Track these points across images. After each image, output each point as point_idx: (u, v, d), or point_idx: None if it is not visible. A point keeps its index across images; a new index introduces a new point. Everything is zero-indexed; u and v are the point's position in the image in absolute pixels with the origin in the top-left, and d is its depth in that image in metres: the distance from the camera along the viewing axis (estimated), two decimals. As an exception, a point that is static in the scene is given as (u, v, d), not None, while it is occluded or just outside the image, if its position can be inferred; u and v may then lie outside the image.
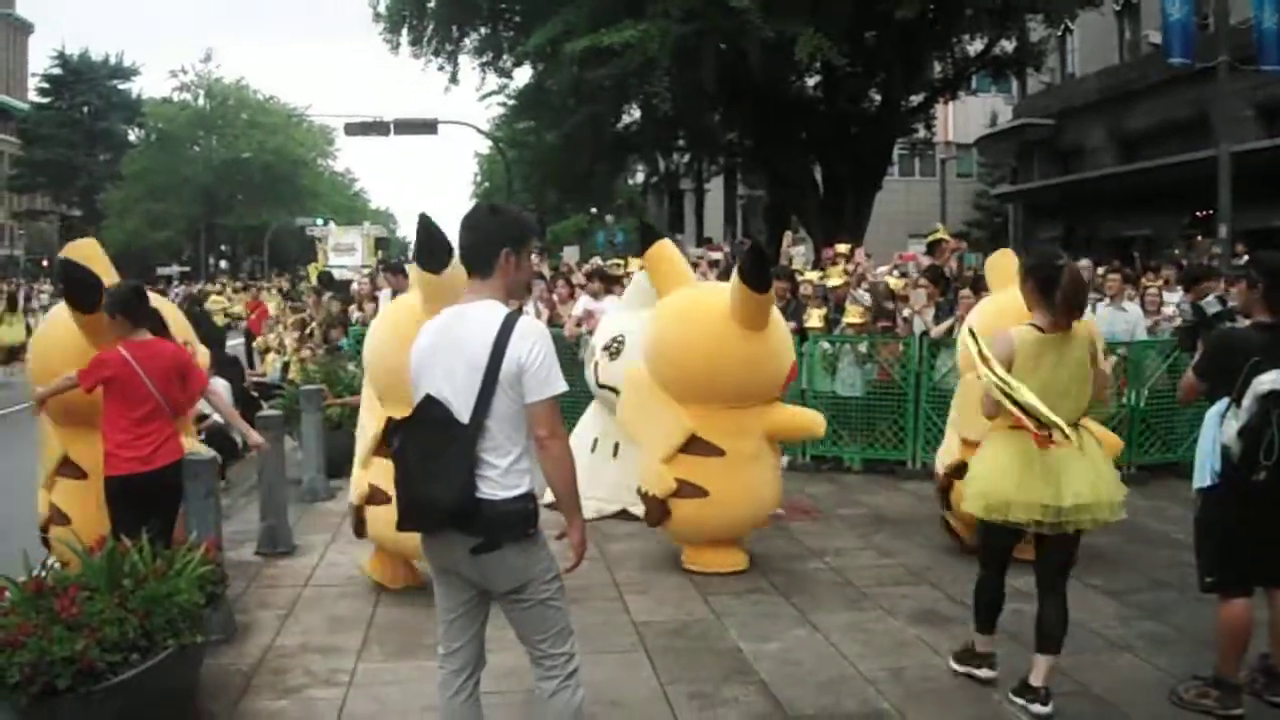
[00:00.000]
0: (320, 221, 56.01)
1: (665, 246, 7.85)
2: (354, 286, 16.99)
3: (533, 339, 3.77)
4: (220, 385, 9.75)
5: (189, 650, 4.77)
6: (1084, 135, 30.63)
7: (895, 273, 13.99)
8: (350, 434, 11.18)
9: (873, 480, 11.00)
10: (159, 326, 6.48)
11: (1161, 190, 24.89)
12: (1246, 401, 4.88)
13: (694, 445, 7.31)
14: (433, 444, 3.75)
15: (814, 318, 11.45)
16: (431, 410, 3.79)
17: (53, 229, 69.55)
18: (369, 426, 6.92)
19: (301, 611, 6.81)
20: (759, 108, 23.70)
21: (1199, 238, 19.64)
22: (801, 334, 11.33)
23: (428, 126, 36.38)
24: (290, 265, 61.42)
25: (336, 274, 25.59)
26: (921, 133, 30.35)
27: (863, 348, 11.20)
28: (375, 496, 6.52)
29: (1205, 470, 5.13)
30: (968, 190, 44.29)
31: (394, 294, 13.24)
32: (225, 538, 6.81)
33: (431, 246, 5.49)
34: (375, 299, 13.82)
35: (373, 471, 6.61)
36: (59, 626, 4.35)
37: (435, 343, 3.87)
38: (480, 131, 40.51)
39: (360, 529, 6.91)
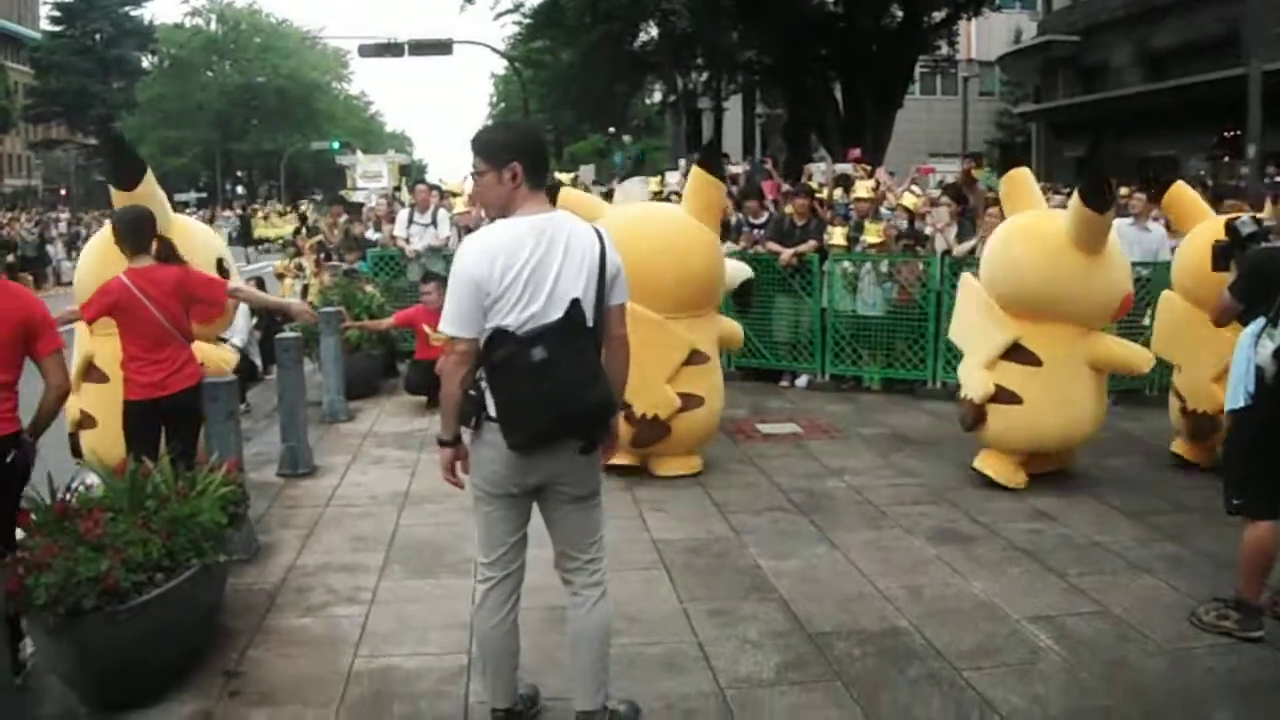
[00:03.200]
0: (336, 145, 56.07)
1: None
2: (367, 207, 16.92)
3: (615, 248, 3.98)
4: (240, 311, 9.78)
5: (212, 569, 4.80)
6: (1110, 52, 30.04)
7: (913, 188, 13.82)
8: (369, 356, 11.30)
9: (892, 400, 11.00)
10: (168, 253, 6.45)
11: (1189, 109, 24.43)
12: None
13: None
14: (584, 349, 3.81)
15: (836, 235, 11.32)
16: (576, 316, 3.78)
17: (69, 158, 69.51)
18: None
19: (323, 531, 6.86)
20: (778, 24, 23.36)
21: (1226, 158, 19.31)
22: (822, 253, 11.27)
23: (442, 47, 35.90)
24: (308, 189, 61.39)
25: (363, 197, 25.84)
26: (944, 50, 29.87)
27: (884, 267, 11.12)
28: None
29: (1238, 391, 5.05)
30: (990, 109, 43.68)
31: (413, 211, 13.26)
32: (246, 460, 6.85)
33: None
34: (393, 219, 13.83)
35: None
36: (84, 548, 4.38)
37: (537, 247, 3.76)
38: (496, 51, 40.15)
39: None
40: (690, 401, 7.73)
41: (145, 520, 4.65)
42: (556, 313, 3.75)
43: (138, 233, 6.19)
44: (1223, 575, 5.60)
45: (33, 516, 4.62)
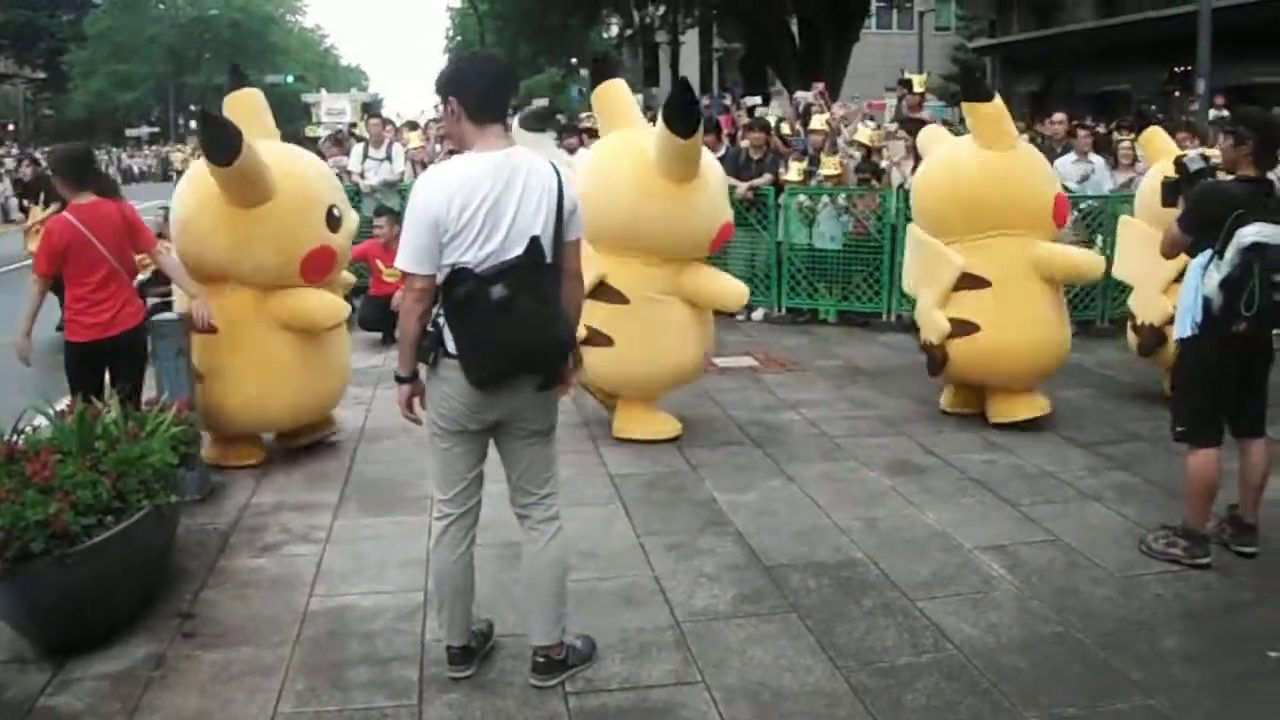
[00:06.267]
0: (290, 79, 55.43)
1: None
2: (322, 140, 16.71)
3: (570, 183, 3.93)
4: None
5: (164, 511, 4.73)
6: (1064, -13, 30.04)
7: (868, 123, 13.78)
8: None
9: (847, 333, 11.05)
10: (107, 188, 6.32)
11: (1141, 45, 24.51)
12: (1229, 254, 4.88)
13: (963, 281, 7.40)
14: (544, 286, 3.79)
15: (792, 170, 11.33)
16: (536, 253, 3.76)
17: (17, 93, 68.00)
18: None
19: (277, 470, 6.81)
20: (735, -45, 23.15)
21: (1176, 93, 19.43)
22: (778, 187, 11.27)
23: (396, -22, 35.35)
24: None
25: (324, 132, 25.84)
26: (900, -17, 29.76)
27: (840, 200, 11.11)
28: None
29: (1186, 321, 5.15)
30: (946, 44, 43.54)
31: (368, 145, 13.12)
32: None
33: None
34: (345, 152, 13.71)
35: None
36: (32, 490, 4.30)
37: (495, 184, 3.71)
38: (450, -17, 39.54)
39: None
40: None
41: (94, 462, 4.59)
42: (515, 250, 3.72)
43: (80, 169, 6.07)
44: (1172, 504, 5.70)
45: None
